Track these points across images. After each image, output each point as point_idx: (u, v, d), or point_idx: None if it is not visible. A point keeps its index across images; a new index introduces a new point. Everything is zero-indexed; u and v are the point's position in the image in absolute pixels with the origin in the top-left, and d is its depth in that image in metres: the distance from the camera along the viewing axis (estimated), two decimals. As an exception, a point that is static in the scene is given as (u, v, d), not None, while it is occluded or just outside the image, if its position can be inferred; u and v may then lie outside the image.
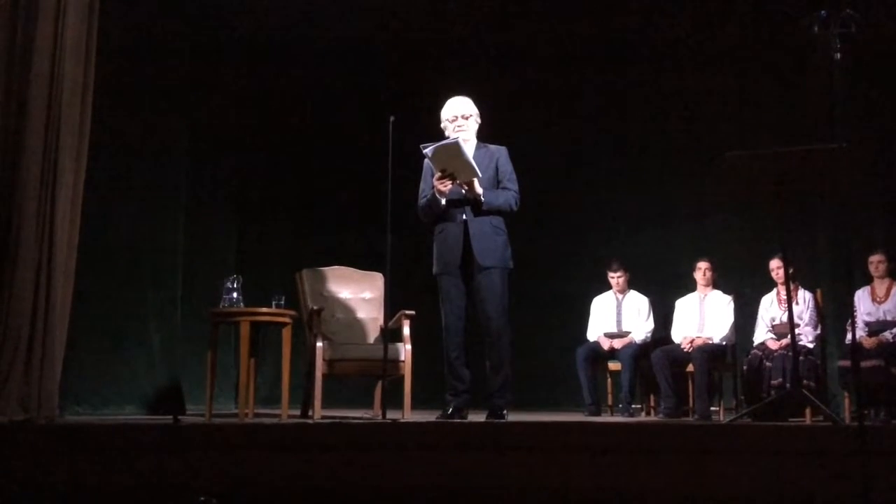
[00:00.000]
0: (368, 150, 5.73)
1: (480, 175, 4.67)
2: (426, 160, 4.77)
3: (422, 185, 4.91)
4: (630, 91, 7.71)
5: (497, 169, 4.84)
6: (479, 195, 4.69)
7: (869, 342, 5.59)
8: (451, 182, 4.64)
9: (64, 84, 4.23)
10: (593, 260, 7.23)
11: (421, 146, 4.61)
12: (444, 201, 4.73)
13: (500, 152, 4.90)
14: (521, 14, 7.47)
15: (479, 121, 4.94)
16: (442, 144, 4.60)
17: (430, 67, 7.53)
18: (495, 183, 4.82)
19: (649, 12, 7.36)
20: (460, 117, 4.86)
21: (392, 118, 4.73)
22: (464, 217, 4.73)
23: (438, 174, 4.64)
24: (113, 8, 4.82)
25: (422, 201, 4.88)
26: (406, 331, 5.26)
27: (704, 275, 6.42)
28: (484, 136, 4.99)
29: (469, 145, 4.79)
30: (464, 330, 4.75)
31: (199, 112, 6.60)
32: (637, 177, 7.59)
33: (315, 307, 5.30)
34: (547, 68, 7.71)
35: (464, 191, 4.70)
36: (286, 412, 5.07)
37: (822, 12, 4.01)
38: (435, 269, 4.85)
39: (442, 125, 4.93)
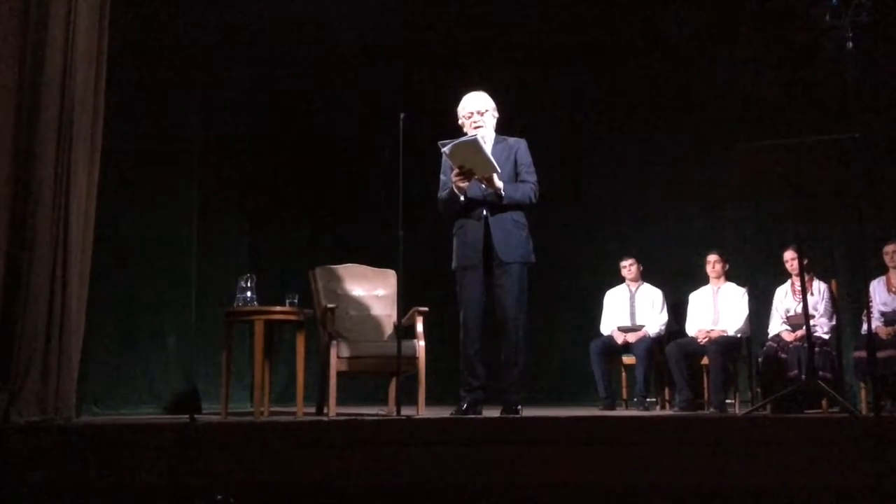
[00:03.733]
0: (380, 147, 5.73)
1: (500, 170, 4.66)
2: (446, 157, 4.75)
3: (442, 178, 4.90)
4: (641, 84, 7.68)
5: (516, 161, 4.83)
6: (499, 189, 4.68)
7: (885, 332, 5.56)
8: (468, 179, 4.63)
9: (75, 87, 4.25)
10: (606, 254, 7.22)
11: (439, 143, 4.60)
12: (463, 197, 4.72)
13: (519, 144, 4.89)
14: (530, 10, 7.46)
15: (496, 114, 4.93)
16: (460, 141, 4.59)
17: (441, 63, 7.52)
18: (514, 175, 4.81)
19: (658, 4, 7.33)
20: (476, 113, 4.85)
21: (403, 115, 4.72)
22: (484, 213, 4.73)
23: (456, 170, 4.63)
24: (123, 11, 4.84)
25: (442, 194, 4.88)
26: (419, 327, 5.27)
27: (714, 267, 6.40)
28: (498, 129, 4.97)
29: (487, 139, 4.78)
30: (482, 326, 4.75)
31: (209, 112, 6.62)
32: (649, 170, 7.56)
33: (329, 305, 5.31)
34: (556, 64, 7.69)
35: (483, 186, 4.69)
36: (301, 410, 5.09)
37: (834, 1, 3.98)
38: (454, 264, 4.84)
39: (459, 122, 4.91)
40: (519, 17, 7.52)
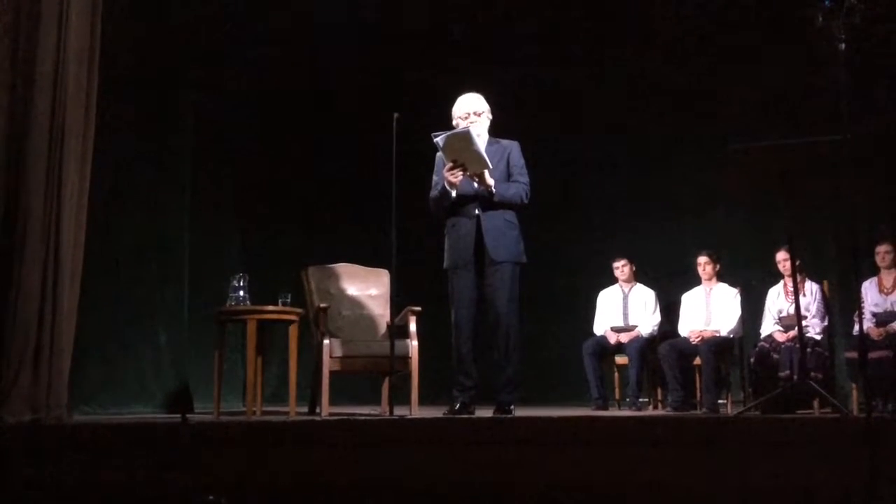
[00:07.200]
0: (373, 148, 5.73)
1: (491, 166, 4.67)
2: (439, 153, 4.76)
3: (435, 178, 4.91)
4: (635, 85, 7.70)
5: (509, 163, 4.84)
6: (490, 186, 4.69)
7: (876, 333, 5.58)
8: (461, 173, 4.64)
9: (68, 87, 4.22)
10: (599, 254, 7.23)
11: (432, 135, 4.61)
12: (454, 193, 4.72)
13: (512, 146, 4.91)
14: (526, 9, 7.46)
15: (490, 117, 4.94)
16: (453, 133, 4.61)
17: (435, 64, 7.52)
18: (507, 177, 4.82)
19: (653, 6, 7.34)
20: (472, 114, 4.86)
21: (396, 115, 4.73)
22: (476, 212, 4.73)
23: (449, 165, 4.64)
24: (115, 11, 4.82)
25: (433, 192, 4.88)
26: (413, 327, 5.27)
27: (704, 269, 6.41)
28: (492, 131, 4.98)
29: (481, 140, 4.78)
30: (474, 325, 4.75)
31: (202, 111, 6.60)
32: (642, 171, 7.59)
33: (321, 304, 5.30)
34: (551, 64, 7.70)
35: (475, 183, 4.70)
36: (294, 410, 5.09)
37: (826, 2, 3.99)
38: (446, 264, 4.84)
39: (454, 123, 4.91)
40: (515, 17, 7.52)
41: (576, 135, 7.74)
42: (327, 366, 5.10)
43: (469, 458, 3.32)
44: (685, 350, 6.15)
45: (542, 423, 3.80)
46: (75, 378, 4.49)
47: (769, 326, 6.05)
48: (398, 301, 5.20)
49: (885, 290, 5.80)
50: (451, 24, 7.56)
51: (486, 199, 4.72)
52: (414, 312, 5.28)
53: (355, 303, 5.76)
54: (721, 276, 6.46)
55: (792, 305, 5.47)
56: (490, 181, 4.69)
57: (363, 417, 4.46)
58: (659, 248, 7.33)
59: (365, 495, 3.26)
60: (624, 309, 6.76)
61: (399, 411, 4.70)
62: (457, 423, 4.08)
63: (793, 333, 5.58)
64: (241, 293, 4.98)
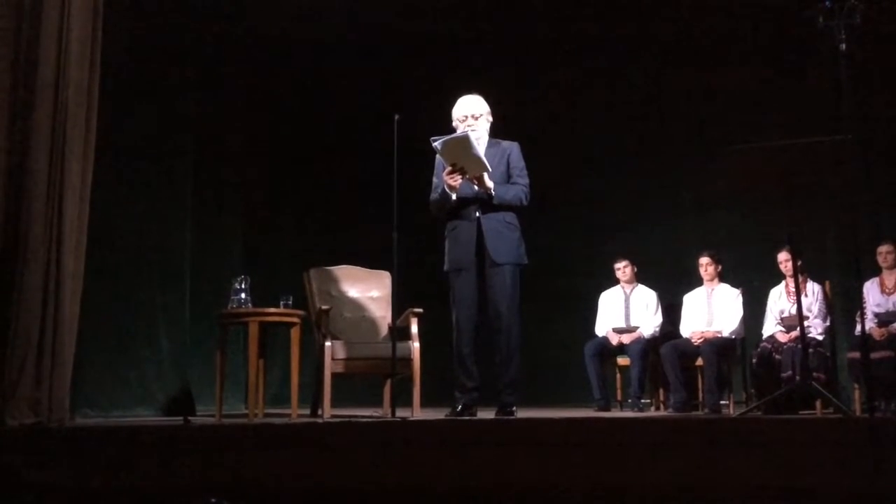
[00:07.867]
0: (374, 149, 5.73)
1: (490, 170, 4.67)
2: (438, 155, 4.76)
3: (435, 180, 4.91)
4: (636, 86, 7.70)
5: (508, 164, 4.84)
6: (490, 189, 4.69)
7: (878, 333, 5.57)
8: (460, 176, 4.64)
9: (69, 88, 4.23)
10: (601, 255, 7.23)
11: (431, 139, 4.61)
12: (454, 196, 4.72)
13: (512, 147, 4.90)
14: (527, 9, 7.47)
15: (490, 119, 4.94)
16: (452, 137, 4.61)
17: (436, 64, 7.52)
18: (507, 178, 4.82)
19: (654, 7, 7.34)
20: (470, 117, 4.85)
21: (397, 116, 4.73)
22: (476, 214, 4.73)
23: (448, 168, 4.64)
24: (117, 11, 4.83)
25: (434, 195, 4.88)
26: (414, 329, 5.27)
27: (706, 270, 6.40)
28: (492, 132, 4.98)
29: (481, 142, 4.79)
30: (475, 327, 4.75)
31: (203, 113, 6.60)
32: (644, 172, 7.58)
33: (323, 306, 5.31)
34: (553, 65, 7.71)
35: (475, 186, 4.70)
36: (296, 412, 5.08)
37: (827, 2, 3.99)
38: (447, 266, 4.84)
39: (453, 124, 4.92)
40: (515, 17, 7.52)
41: (576, 135, 7.74)
42: (329, 368, 5.10)
43: (471, 459, 3.31)
44: (687, 351, 6.15)
45: (544, 425, 3.80)
46: (77, 381, 4.49)
47: (771, 327, 6.05)
48: (399, 303, 5.19)
49: (887, 291, 5.80)
50: (453, 22, 7.55)
51: (486, 202, 4.72)
52: (415, 314, 5.29)
53: (357, 305, 5.76)
54: (723, 277, 6.45)
55: (794, 306, 5.47)
56: (489, 184, 4.69)
57: (365, 419, 4.46)
58: (660, 248, 7.32)
59: (367, 497, 3.26)
60: (625, 310, 6.76)
61: (401, 413, 4.70)
62: (459, 424, 4.08)
63: (795, 334, 5.57)
64: (243, 295, 4.98)
